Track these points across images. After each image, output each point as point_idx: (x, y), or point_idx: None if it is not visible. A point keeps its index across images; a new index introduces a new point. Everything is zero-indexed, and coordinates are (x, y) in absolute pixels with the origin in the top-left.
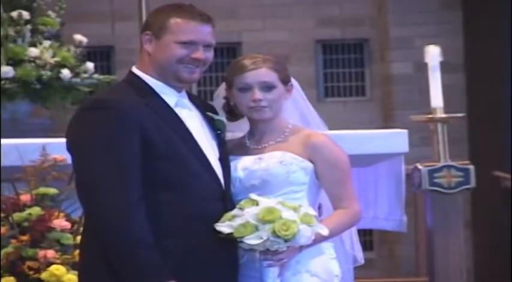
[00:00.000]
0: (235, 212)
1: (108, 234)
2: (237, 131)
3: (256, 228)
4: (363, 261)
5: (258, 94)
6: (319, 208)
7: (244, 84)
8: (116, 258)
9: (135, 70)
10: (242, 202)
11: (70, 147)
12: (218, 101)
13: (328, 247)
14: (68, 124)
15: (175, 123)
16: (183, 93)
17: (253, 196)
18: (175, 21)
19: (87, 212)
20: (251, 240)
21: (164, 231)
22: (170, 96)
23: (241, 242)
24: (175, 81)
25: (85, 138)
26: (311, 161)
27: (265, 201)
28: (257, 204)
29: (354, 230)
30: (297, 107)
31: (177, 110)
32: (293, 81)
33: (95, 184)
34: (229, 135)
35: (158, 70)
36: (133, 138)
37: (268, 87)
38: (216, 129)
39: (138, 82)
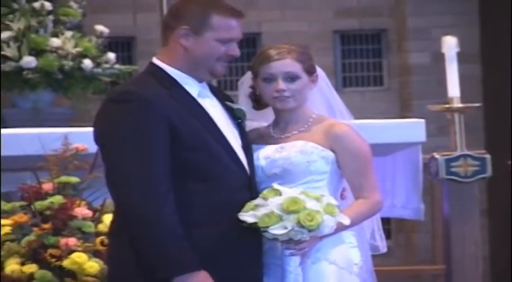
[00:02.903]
0: (258, 201)
1: (138, 226)
2: (262, 120)
3: (281, 218)
4: (385, 250)
5: (281, 84)
6: (343, 191)
7: (268, 74)
8: (145, 249)
9: (156, 61)
10: (265, 192)
11: (98, 140)
12: (243, 89)
13: (348, 236)
14: (95, 116)
15: (199, 113)
16: (204, 83)
17: (275, 186)
18: (217, 19)
19: (116, 203)
20: (275, 230)
21: (193, 220)
22: (193, 87)
23: (265, 231)
24: (207, 76)
25: (113, 131)
26: (333, 151)
27: (288, 191)
28: (280, 194)
29: (377, 220)
30: (323, 97)
31: (200, 100)
32: (319, 71)
33: (125, 176)
34: (254, 125)
35: (192, 64)
36: (161, 129)
37: (291, 78)
38: (237, 118)
39: (161, 73)
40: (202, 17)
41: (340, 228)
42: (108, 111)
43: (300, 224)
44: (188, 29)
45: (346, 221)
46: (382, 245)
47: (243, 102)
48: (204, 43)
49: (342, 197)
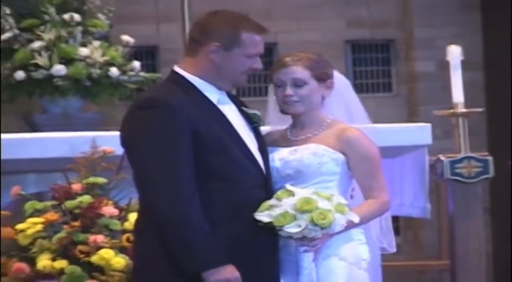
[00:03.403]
0: (272, 202)
1: (167, 225)
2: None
3: (295, 218)
4: (394, 250)
5: (288, 90)
6: (352, 191)
7: (278, 80)
8: (175, 247)
9: (178, 70)
10: (278, 192)
11: (125, 144)
12: (271, 95)
13: (357, 233)
14: (121, 121)
15: (219, 118)
16: (223, 90)
17: (288, 187)
18: (246, 36)
19: (144, 203)
20: (290, 228)
21: (214, 219)
22: (212, 94)
23: (281, 230)
24: (229, 86)
25: (140, 136)
26: (344, 153)
27: (300, 192)
28: (293, 195)
29: (387, 220)
30: (341, 102)
31: (220, 106)
32: (341, 77)
33: (153, 180)
34: (268, 129)
35: (218, 76)
36: (185, 133)
37: (299, 84)
38: (252, 122)
39: (182, 81)
40: (233, 35)
41: (351, 225)
42: (135, 117)
43: (313, 223)
44: (219, 45)
45: (356, 219)
46: (392, 245)
47: (272, 107)
48: (233, 58)
49: (351, 196)
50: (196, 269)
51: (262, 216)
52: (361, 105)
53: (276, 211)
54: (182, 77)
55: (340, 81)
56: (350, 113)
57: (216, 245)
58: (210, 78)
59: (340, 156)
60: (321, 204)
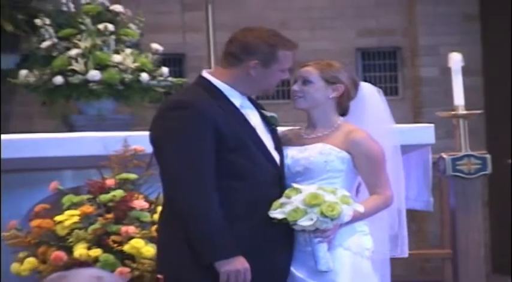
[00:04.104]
0: (282, 200)
1: (188, 219)
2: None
3: (306, 212)
4: (405, 255)
5: (296, 86)
6: (359, 186)
7: (296, 77)
8: (194, 238)
9: (206, 75)
10: (287, 191)
11: (154, 142)
12: None
13: (361, 225)
14: (151, 121)
15: (241, 120)
16: (245, 95)
17: (295, 185)
18: (283, 54)
19: (169, 197)
20: (303, 222)
21: (234, 214)
22: (236, 98)
23: (294, 224)
24: (257, 94)
25: (169, 135)
26: (350, 153)
27: (306, 188)
28: (300, 192)
29: (403, 227)
30: (364, 107)
31: (242, 110)
32: (366, 85)
33: (177, 176)
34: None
35: (250, 87)
36: (209, 134)
37: (305, 81)
38: (270, 124)
39: (209, 85)
40: (271, 53)
41: (358, 217)
42: (164, 117)
43: (323, 215)
44: (258, 63)
45: (361, 209)
46: (404, 251)
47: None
48: (270, 74)
49: (357, 191)
50: (210, 259)
51: (276, 213)
52: (388, 110)
53: (288, 208)
54: (209, 82)
55: (367, 89)
56: (375, 115)
57: (230, 238)
58: (239, 87)
59: (346, 155)
60: (327, 197)
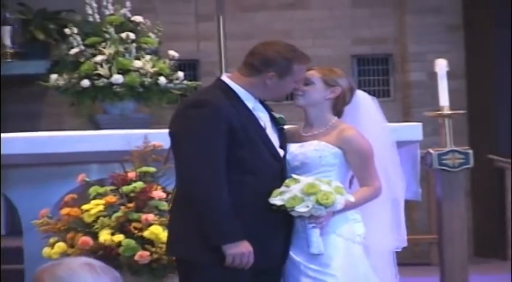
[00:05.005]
0: (282, 189)
1: (200, 205)
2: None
3: (303, 200)
4: (405, 244)
5: (299, 85)
6: (351, 179)
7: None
8: (204, 224)
9: (225, 79)
10: (286, 181)
11: (173, 135)
12: None
13: (352, 213)
14: (171, 119)
15: (253, 121)
16: (257, 99)
17: (294, 176)
18: (297, 67)
19: (183, 186)
20: (300, 208)
21: (240, 203)
22: (249, 101)
23: (292, 210)
24: (269, 100)
25: (188, 130)
26: (342, 149)
27: (304, 179)
28: (299, 182)
29: (401, 218)
30: (357, 110)
31: (254, 112)
32: (363, 93)
33: (192, 168)
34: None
35: (265, 94)
36: (223, 131)
37: (307, 82)
38: (278, 124)
39: (226, 88)
40: (287, 67)
41: (349, 206)
42: (185, 115)
43: (318, 203)
44: (274, 74)
45: (352, 199)
46: (403, 240)
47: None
48: (284, 84)
49: (350, 183)
50: (218, 243)
51: (276, 200)
52: (380, 113)
53: (287, 195)
54: (227, 85)
55: (363, 97)
56: (369, 118)
57: (236, 224)
58: (254, 92)
59: (338, 151)
60: (323, 187)
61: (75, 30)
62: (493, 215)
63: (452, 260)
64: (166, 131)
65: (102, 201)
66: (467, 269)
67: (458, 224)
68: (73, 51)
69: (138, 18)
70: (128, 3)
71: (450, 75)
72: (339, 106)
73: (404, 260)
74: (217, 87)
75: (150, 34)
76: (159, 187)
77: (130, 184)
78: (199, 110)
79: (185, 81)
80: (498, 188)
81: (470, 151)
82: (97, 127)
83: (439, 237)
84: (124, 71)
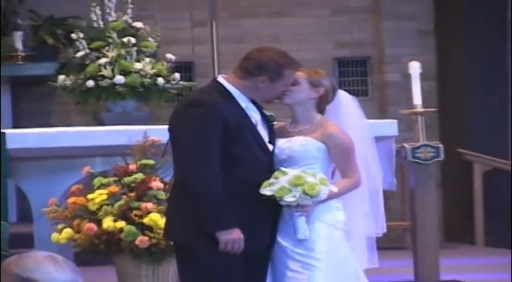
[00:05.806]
0: (271, 180)
1: (197, 195)
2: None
3: (290, 190)
4: (384, 230)
5: (288, 88)
6: (333, 171)
7: None
8: (201, 211)
9: (221, 80)
10: (275, 173)
11: (173, 131)
12: None
13: (335, 202)
14: (170, 116)
15: (245, 119)
16: (250, 99)
17: (282, 169)
18: (288, 73)
19: (180, 177)
20: (288, 198)
21: (233, 194)
22: (243, 101)
23: (281, 200)
24: (260, 101)
25: (186, 126)
26: (325, 143)
27: (291, 172)
28: (286, 174)
29: (380, 207)
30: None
31: (247, 111)
32: (344, 93)
33: (189, 161)
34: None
35: (256, 95)
36: (218, 128)
37: (294, 83)
38: (269, 121)
39: (221, 88)
40: (279, 72)
41: (332, 195)
42: (183, 112)
43: (305, 193)
44: (267, 78)
45: (335, 189)
46: (382, 227)
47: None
48: (275, 88)
49: (332, 174)
50: (213, 229)
51: (266, 191)
52: (360, 111)
53: (276, 186)
54: (222, 85)
55: (344, 96)
56: (349, 115)
57: (229, 213)
58: (247, 94)
59: (322, 145)
60: (309, 179)
61: (81, 35)
62: (462, 203)
63: (424, 245)
64: (165, 127)
65: (105, 191)
66: (437, 253)
67: (429, 212)
68: (79, 54)
69: (138, 24)
70: (129, 11)
71: (423, 76)
72: (322, 104)
73: (381, 244)
74: (214, 87)
75: (149, 39)
76: (157, 178)
77: (132, 175)
78: (198, 109)
79: (181, 82)
80: (466, 179)
81: (441, 145)
82: (101, 124)
83: (413, 223)
84: (126, 73)
